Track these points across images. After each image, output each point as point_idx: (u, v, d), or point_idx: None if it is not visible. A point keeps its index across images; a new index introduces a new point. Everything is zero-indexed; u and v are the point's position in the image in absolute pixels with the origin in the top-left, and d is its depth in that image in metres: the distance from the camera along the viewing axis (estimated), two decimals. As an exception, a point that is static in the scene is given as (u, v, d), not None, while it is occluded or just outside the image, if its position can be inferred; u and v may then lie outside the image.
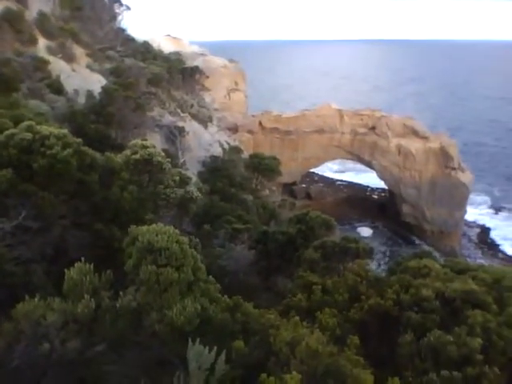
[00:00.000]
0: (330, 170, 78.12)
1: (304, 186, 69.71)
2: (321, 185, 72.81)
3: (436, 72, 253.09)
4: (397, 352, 9.11)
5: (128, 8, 42.57)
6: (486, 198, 70.03)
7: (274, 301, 11.80)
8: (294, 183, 66.56)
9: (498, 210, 67.21)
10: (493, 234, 60.39)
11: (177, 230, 7.78)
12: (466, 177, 57.19)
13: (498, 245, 57.66)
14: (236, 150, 27.94)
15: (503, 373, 8.27)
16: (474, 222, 63.53)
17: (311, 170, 71.15)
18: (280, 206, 25.55)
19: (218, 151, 26.57)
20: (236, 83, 60.43)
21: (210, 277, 7.92)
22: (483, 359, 8.32)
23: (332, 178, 76.85)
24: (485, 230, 62.04)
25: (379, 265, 36.13)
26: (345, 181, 76.09)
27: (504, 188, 73.30)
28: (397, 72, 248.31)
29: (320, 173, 76.52)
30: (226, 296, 7.85)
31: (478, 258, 51.87)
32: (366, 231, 58.80)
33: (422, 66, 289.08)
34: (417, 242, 56.10)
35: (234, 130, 55.04)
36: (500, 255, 54.76)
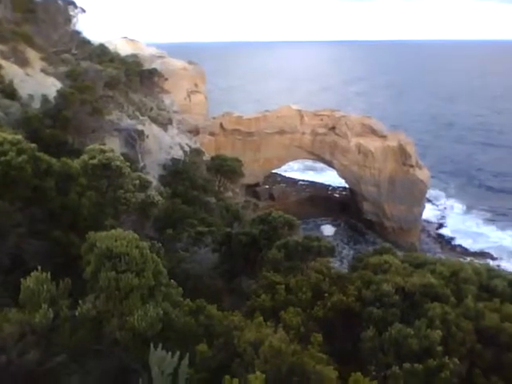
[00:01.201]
0: (292, 170, 78.75)
1: (267, 186, 70.03)
2: (283, 185, 73.31)
3: (385, 71, 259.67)
4: (360, 347, 9.27)
5: (83, 10, 41.67)
6: (442, 194, 72.21)
7: (238, 302, 11.80)
8: (257, 184, 66.78)
9: (453, 204, 69.41)
10: (449, 229, 62.29)
11: (136, 235, 7.68)
12: (423, 174, 58.80)
13: (455, 238, 59.52)
14: (197, 153, 27.78)
15: (463, 363, 8.53)
16: (432, 217, 65.40)
17: (274, 171, 71.56)
18: (243, 207, 25.55)
19: (179, 154, 26.34)
20: (196, 85, 60.12)
21: (172, 281, 7.85)
22: (443, 350, 8.56)
23: (294, 178, 77.51)
24: (442, 225, 63.97)
25: (342, 262, 36.69)
26: (307, 180, 76.88)
27: (458, 184, 75.76)
28: (347, 72, 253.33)
29: (283, 173, 77.07)
30: (188, 300, 7.80)
31: (437, 253, 53.38)
32: (328, 230, 59.59)
33: (372, 66, 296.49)
34: (378, 238, 57.25)
35: (195, 132, 54.71)
36: (457, 249, 56.55)
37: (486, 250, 55.15)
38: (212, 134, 60.05)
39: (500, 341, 8.93)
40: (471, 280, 10.42)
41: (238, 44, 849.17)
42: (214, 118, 63.01)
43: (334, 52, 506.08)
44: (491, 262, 48.64)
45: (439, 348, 8.48)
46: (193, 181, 22.87)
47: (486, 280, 10.60)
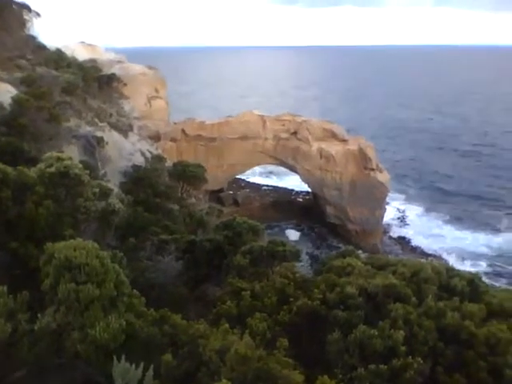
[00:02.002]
0: (255, 175, 78.95)
1: (231, 192, 69.90)
2: (247, 190, 73.37)
3: (341, 76, 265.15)
4: (326, 350, 9.33)
5: (38, 15, 40.66)
6: (401, 196, 73.96)
7: (204, 310, 11.68)
8: (221, 190, 66.58)
9: (414, 205, 71.16)
10: (410, 230, 63.77)
11: (97, 245, 7.49)
12: (383, 177, 60.02)
13: (415, 239, 60.95)
14: (159, 159, 27.43)
15: (426, 362, 8.70)
16: (393, 220, 66.81)
17: (238, 177, 71.55)
18: (207, 213, 25.35)
19: (140, 161, 25.93)
20: (156, 90, 59.46)
21: (135, 291, 7.69)
22: (407, 350, 8.71)
23: (258, 184, 77.70)
24: (403, 226, 65.41)
25: (307, 266, 36.95)
26: (270, 185, 77.20)
27: (415, 186, 77.71)
28: (304, 77, 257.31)
29: (246, 178, 77.18)
30: (152, 309, 7.66)
31: (399, 254, 54.55)
32: (293, 234, 59.93)
33: (329, 71, 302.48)
34: (341, 241, 58.01)
35: (156, 138, 54.09)
36: (418, 250, 57.93)
37: (446, 250, 56.71)
38: (174, 139, 59.49)
39: (461, 338, 9.16)
40: (431, 280, 10.66)
41: (197, 49, 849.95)
42: (175, 124, 62.47)
43: (292, 57, 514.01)
44: (450, 262, 50.09)
45: (403, 348, 8.63)
46: (155, 188, 22.54)
47: (445, 279, 10.87)
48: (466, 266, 48.01)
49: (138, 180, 23.03)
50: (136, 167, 24.55)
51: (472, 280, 11.07)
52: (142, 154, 27.33)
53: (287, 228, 61.92)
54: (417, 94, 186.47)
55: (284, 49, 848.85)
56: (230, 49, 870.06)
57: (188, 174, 25.31)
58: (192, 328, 7.29)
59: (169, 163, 28.10)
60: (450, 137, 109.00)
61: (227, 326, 7.40)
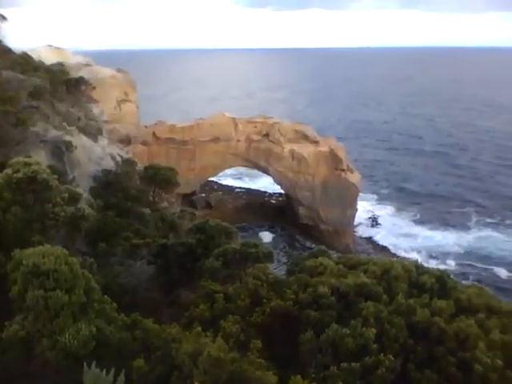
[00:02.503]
0: (228, 177, 78.82)
1: (204, 195, 69.60)
2: (220, 193, 73.18)
3: (309, 78, 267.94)
4: (299, 350, 9.39)
5: (4, 18, 39.67)
6: (373, 196, 75.04)
7: (178, 314, 11.60)
8: (194, 193, 66.22)
9: (387, 204, 72.25)
10: (381, 230, 64.72)
11: (66, 251, 7.37)
12: (354, 177, 60.76)
13: (387, 238, 61.88)
14: (129, 163, 27.05)
15: (397, 359, 8.85)
16: (365, 219, 67.67)
17: (210, 179, 71.29)
18: (179, 217, 25.15)
19: (110, 165, 25.53)
20: (126, 94, 58.67)
21: (106, 296, 7.59)
22: (378, 348, 8.85)
23: (231, 186, 77.60)
24: (374, 226, 66.33)
25: (280, 267, 37.09)
26: (243, 188, 77.21)
27: (385, 187, 78.92)
28: (272, 79, 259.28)
29: (219, 181, 76.97)
30: (123, 315, 7.57)
31: (370, 253, 55.29)
32: (267, 236, 60.08)
33: (297, 73, 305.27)
34: (314, 242, 58.40)
35: (126, 142, 53.39)
36: (389, 249, 58.83)
37: (417, 249, 57.72)
38: (144, 143, 58.89)
39: (431, 335, 9.34)
40: (401, 277, 10.85)
41: (167, 51, 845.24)
42: (146, 127, 61.82)
43: (261, 60, 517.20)
44: (421, 260, 51.01)
45: (374, 345, 8.76)
46: (126, 192, 22.24)
47: (415, 277, 11.07)
48: (437, 264, 48.91)
49: (108, 184, 22.68)
50: (106, 171, 24.18)
51: (441, 277, 11.31)
52: (112, 157, 26.93)
53: (261, 230, 62.02)
54: (382, 95, 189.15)
55: (254, 51, 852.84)
56: (201, 51, 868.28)
57: (159, 178, 25.05)
58: (164, 332, 7.24)
59: (140, 167, 27.75)
60: (415, 137, 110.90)
61: (200, 329, 7.37)
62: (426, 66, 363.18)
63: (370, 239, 62.55)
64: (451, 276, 12.07)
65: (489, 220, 64.33)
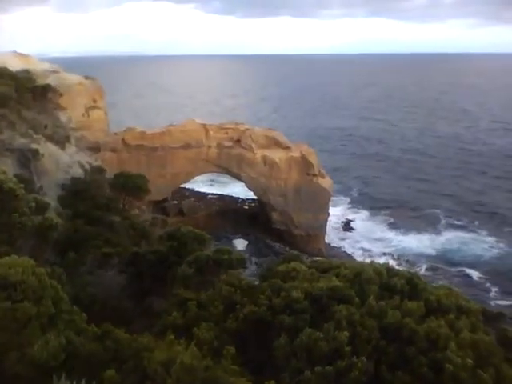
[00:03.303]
0: (200, 184, 78.45)
1: (176, 202, 69.06)
2: (192, 200, 72.75)
3: (271, 83, 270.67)
4: (273, 355, 9.38)
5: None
6: (347, 199, 75.95)
7: (150, 323, 11.46)
8: (165, 200, 65.65)
9: (357, 209, 73.16)
10: (355, 234, 65.46)
11: (33, 262, 7.19)
12: (326, 182, 61.38)
13: (360, 242, 62.65)
14: (99, 170, 26.67)
15: (370, 361, 8.93)
16: (337, 224, 68.37)
17: (182, 186, 70.85)
18: (151, 224, 24.94)
19: (78, 173, 25.12)
20: (94, 100, 57.82)
21: (75, 307, 7.44)
22: (351, 350, 8.91)
23: (203, 192, 77.23)
24: (347, 230, 67.06)
25: (254, 273, 37.09)
26: (216, 194, 76.96)
27: (360, 191, 79.97)
28: (237, 85, 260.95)
29: (191, 188, 76.55)
30: (93, 325, 7.42)
31: (344, 257, 55.82)
32: (241, 243, 59.90)
33: (261, 79, 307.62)
34: (287, 247, 58.65)
35: (95, 149, 52.55)
36: (361, 251, 59.53)
37: (390, 253, 58.48)
38: (114, 150, 58.08)
39: (402, 336, 9.46)
40: (373, 280, 10.97)
41: (135, 57, 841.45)
42: (115, 134, 61.02)
43: (229, 66, 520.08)
44: (394, 264, 51.75)
45: (347, 348, 8.82)
46: (95, 200, 21.90)
47: (386, 279, 11.21)
48: (409, 267, 49.52)
49: (77, 193, 22.30)
50: (75, 179, 23.78)
51: (411, 279, 11.49)
52: (81, 165, 26.51)
53: (234, 238, 61.86)
54: (347, 100, 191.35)
55: (220, 57, 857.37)
56: (167, 57, 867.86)
57: (130, 185, 24.77)
58: (136, 341, 7.12)
59: (109, 174, 27.37)
60: (380, 143, 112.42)
61: (173, 337, 7.29)
62: (392, 73, 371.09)
63: (342, 243, 63.14)
64: (422, 278, 12.29)
65: (457, 222, 65.82)
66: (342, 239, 64.34)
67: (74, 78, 56.44)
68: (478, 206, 70.41)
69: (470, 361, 8.88)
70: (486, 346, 9.70)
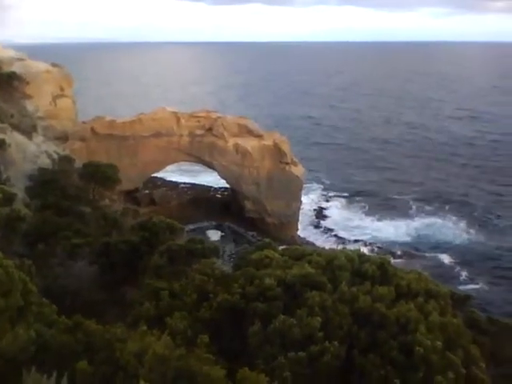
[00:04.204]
0: (172, 172, 77.72)
1: (147, 191, 68.26)
2: (164, 189, 72.01)
3: (239, 71, 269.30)
4: (247, 342, 9.45)
5: None
6: (319, 186, 76.50)
7: (122, 314, 11.36)
8: (136, 190, 64.83)
9: (329, 197, 73.81)
10: (329, 220, 66.05)
11: (0, 254, 7.01)
12: (298, 170, 61.62)
13: (335, 229, 63.27)
14: (67, 160, 26.09)
15: (342, 345, 9.08)
16: (310, 210, 68.87)
17: (154, 175, 70.04)
18: (122, 214, 24.58)
19: (46, 163, 24.54)
20: (62, 89, 56.24)
21: (45, 299, 7.30)
22: (324, 336, 9.05)
23: (175, 182, 76.47)
24: (320, 217, 67.65)
25: (228, 263, 37.12)
26: (188, 183, 76.32)
27: (334, 179, 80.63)
28: (204, 72, 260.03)
29: (163, 177, 75.75)
30: (64, 317, 7.30)
31: (318, 244, 56.38)
32: (215, 234, 59.61)
33: (228, 67, 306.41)
34: (260, 235, 58.80)
35: (63, 138, 51.31)
36: (334, 238, 60.21)
37: (362, 239, 59.23)
38: (83, 139, 56.79)
39: (373, 320, 9.65)
40: (345, 266, 11.12)
41: (100, 44, 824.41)
42: (84, 123, 59.69)
43: (197, 53, 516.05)
44: (364, 249, 52.53)
45: (320, 334, 8.95)
46: (64, 190, 21.46)
47: (357, 265, 11.38)
48: (384, 253, 50.20)
49: (46, 183, 21.82)
50: (42, 170, 23.24)
51: (382, 264, 11.70)
52: (49, 155, 25.91)
53: (208, 228, 61.56)
54: (313, 88, 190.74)
55: (192, 45, 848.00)
56: (139, 44, 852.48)
57: (100, 175, 24.34)
58: (108, 332, 7.05)
59: (78, 164, 26.83)
60: (345, 131, 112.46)
61: (145, 327, 7.24)
62: (361, 61, 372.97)
63: (315, 231, 63.68)
64: (393, 264, 12.52)
65: (428, 208, 67.16)
66: (316, 227, 64.87)
67: (40, 66, 54.85)
68: (446, 192, 71.86)
69: (439, 343, 9.12)
70: (455, 328, 9.99)
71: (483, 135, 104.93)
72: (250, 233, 60.23)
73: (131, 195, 62.23)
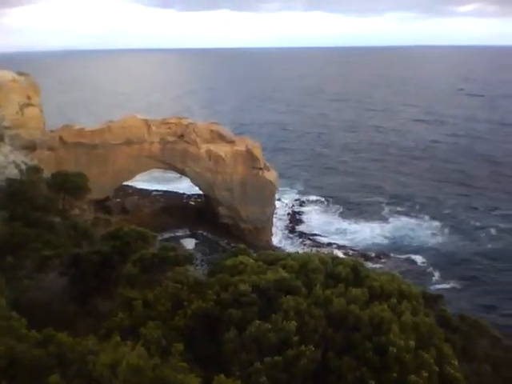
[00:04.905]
0: (143, 181, 76.88)
1: (118, 200, 67.36)
2: (136, 197, 71.19)
3: (204, 78, 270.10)
4: (223, 349, 9.39)
5: None
6: (293, 191, 76.87)
7: (95, 325, 11.15)
8: (107, 199, 63.88)
9: (303, 202, 74.13)
10: (302, 224, 66.34)
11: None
12: (271, 175, 61.77)
13: (311, 233, 63.52)
14: (35, 170, 25.52)
15: (317, 349, 9.12)
16: (284, 215, 69.05)
17: (125, 183, 69.15)
18: (93, 224, 24.16)
19: (14, 173, 23.97)
20: (29, 97, 55.15)
21: (14, 313, 7.11)
22: (299, 340, 9.07)
23: (147, 189, 75.69)
24: (295, 221, 67.83)
25: (203, 270, 36.88)
26: (160, 190, 75.62)
27: (307, 182, 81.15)
28: (169, 78, 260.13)
29: (134, 185, 74.85)
30: (34, 330, 7.13)
31: (293, 248, 56.56)
32: (189, 243, 59.15)
33: (195, 73, 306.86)
34: (235, 241, 58.63)
35: (31, 148, 50.29)
36: (309, 242, 60.48)
37: (343, 243, 59.70)
38: (51, 149, 55.64)
39: (348, 322, 9.73)
40: (319, 269, 11.20)
41: (71, 52, 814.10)
42: (52, 132, 58.53)
43: (165, 60, 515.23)
44: (338, 252, 52.96)
45: (295, 338, 8.97)
46: (33, 201, 20.97)
47: (331, 268, 11.47)
48: (359, 256, 50.56)
49: (14, 194, 21.29)
50: (10, 180, 22.68)
51: (355, 266, 11.82)
52: (16, 165, 25.32)
53: (182, 237, 61.05)
54: (277, 93, 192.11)
55: (160, 51, 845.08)
56: (106, 52, 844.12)
57: (69, 185, 23.88)
58: (80, 345, 6.91)
59: (47, 174, 26.27)
60: (308, 136, 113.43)
61: (118, 338, 7.12)
62: (327, 66, 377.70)
63: (290, 234, 63.85)
64: (366, 265, 12.66)
65: (400, 208, 68.31)
66: (291, 231, 65.00)
67: (6, 75, 53.73)
68: (415, 194, 73.04)
69: (412, 342, 9.26)
70: (427, 327, 10.16)
71: (446, 138, 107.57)
72: (224, 240, 60.10)
73: (102, 204, 61.32)
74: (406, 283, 12.51)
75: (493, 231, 59.65)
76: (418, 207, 68.11)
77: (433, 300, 14.18)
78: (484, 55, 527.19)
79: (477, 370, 11.96)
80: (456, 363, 9.61)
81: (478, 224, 62.00)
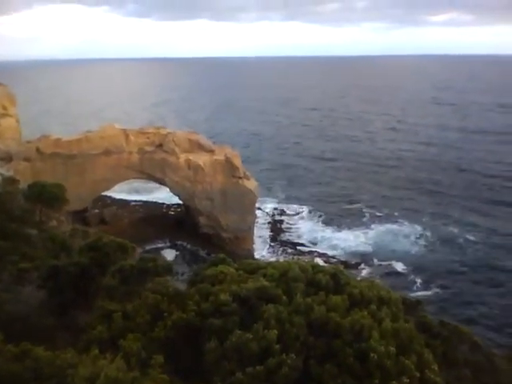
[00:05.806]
0: (122, 191, 76.20)
1: (97, 211, 66.62)
2: (115, 207, 70.52)
3: (180, 87, 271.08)
4: (204, 360, 9.33)
5: None
6: (274, 200, 77.01)
7: (74, 338, 10.97)
8: (86, 210, 63.11)
9: (283, 210, 74.30)
10: (283, 233, 66.41)
11: None
12: (251, 184, 61.84)
13: (288, 242, 63.61)
14: (11, 181, 25.09)
15: (299, 357, 9.13)
16: (265, 224, 69.07)
17: (103, 194, 68.44)
18: (71, 235, 23.80)
19: (-11, 185, 23.58)
20: (4, 108, 54.44)
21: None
22: (280, 348, 9.07)
23: (126, 200, 75.07)
24: (275, 230, 67.84)
25: (183, 280, 36.57)
26: (139, 200, 75.10)
27: (289, 190, 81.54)
28: (143, 89, 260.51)
29: (112, 195, 74.12)
30: (11, 345, 6.98)
31: (275, 256, 56.65)
32: (170, 254, 58.69)
33: (170, 83, 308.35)
34: (216, 250, 58.38)
35: (7, 159, 49.56)
36: (290, 250, 60.57)
37: (323, 250, 59.88)
38: (27, 159, 54.87)
39: (328, 330, 9.77)
40: (299, 277, 11.23)
41: (48, 62, 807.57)
42: (28, 143, 57.74)
43: (140, 69, 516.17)
44: (318, 260, 53.18)
45: (276, 346, 8.96)
46: (9, 213, 20.61)
47: (311, 275, 11.52)
48: (340, 263, 50.72)
49: (-11, 206, 20.91)
50: (-15, 192, 22.28)
51: (334, 274, 11.89)
52: (-8, 177, 24.87)
53: (162, 248, 60.56)
54: (251, 103, 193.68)
55: (136, 61, 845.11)
56: (82, 61, 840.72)
57: (46, 195, 23.51)
58: (58, 358, 6.78)
59: (23, 185, 25.84)
60: (284, 145, 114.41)
61: (97, 351, 7.02)
62: (301, 75, 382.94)
63: (271, 242, 63.83)
64: (346, 273, 12.74)
65: (379, 214, 69.05)
66: (271, 238, 65.01)
67: (-20, 85, 52.93)
68: (390, 202, 74.19)
69: (392, 348, 9.34)
70: (407, 333, 10.25)
71: (419, 146, 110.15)
72: (205, 250, 59.82)
73: (80, 215, 60.56)
74: (386, 289, 12.61)
75: (470, 237, 60.86)
76: (396, 213, 69.02)
77: (413, 306, 14.33)
78: (458, 64, 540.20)
79: (457, 375, 12.10)
80: (436, 368, 9.72)
81: (454, 231, 63.11)
